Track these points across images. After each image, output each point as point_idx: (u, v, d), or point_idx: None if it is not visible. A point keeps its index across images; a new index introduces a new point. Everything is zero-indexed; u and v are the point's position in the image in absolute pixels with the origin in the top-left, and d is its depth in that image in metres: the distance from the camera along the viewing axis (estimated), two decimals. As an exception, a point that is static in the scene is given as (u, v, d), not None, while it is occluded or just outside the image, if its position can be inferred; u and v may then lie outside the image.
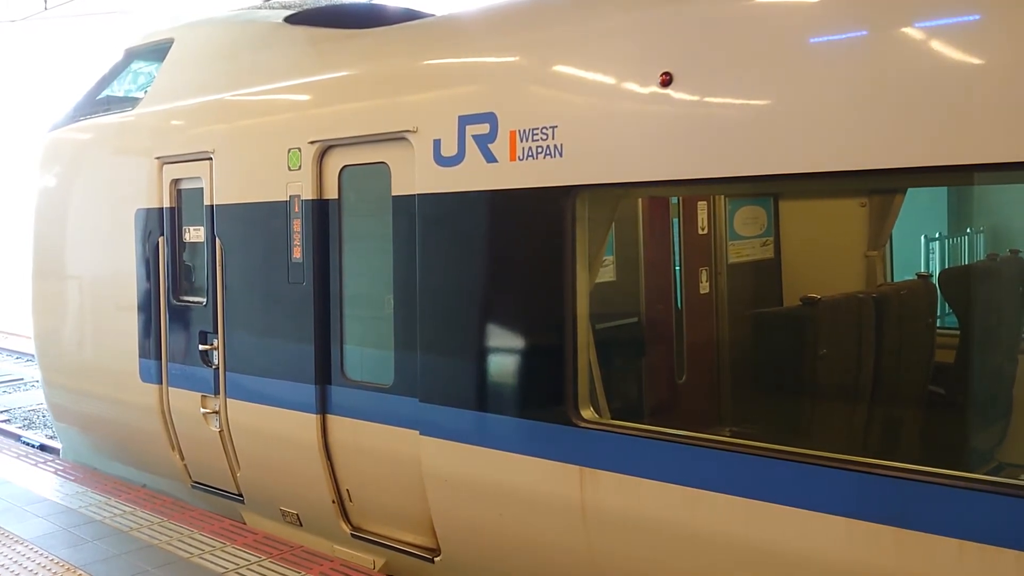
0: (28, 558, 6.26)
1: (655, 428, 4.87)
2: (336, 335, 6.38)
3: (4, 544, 6.52)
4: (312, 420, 6.43)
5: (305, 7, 7.73)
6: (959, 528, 3.74)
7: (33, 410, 14.83)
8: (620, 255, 6.37)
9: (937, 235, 10.46)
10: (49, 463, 8.81)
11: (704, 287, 6.93)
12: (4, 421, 14.05)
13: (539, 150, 5.02)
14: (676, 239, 6.81)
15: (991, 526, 3.66)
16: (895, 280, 7.38)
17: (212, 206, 7.21)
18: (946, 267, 10.26)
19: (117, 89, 8.90)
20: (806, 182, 4.95)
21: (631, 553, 4.85)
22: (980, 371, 5.87)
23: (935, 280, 6.61)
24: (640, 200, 6.36)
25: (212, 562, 6.15)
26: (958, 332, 6.14)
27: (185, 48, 8.10)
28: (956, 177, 4.82)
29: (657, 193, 6.23)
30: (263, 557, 6.22)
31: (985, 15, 3.76)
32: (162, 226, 7.73)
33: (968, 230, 10.63)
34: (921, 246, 10.32)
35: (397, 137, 5.81)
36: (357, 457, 6.28)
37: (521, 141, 5.09)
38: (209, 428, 7.37)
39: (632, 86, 4.74)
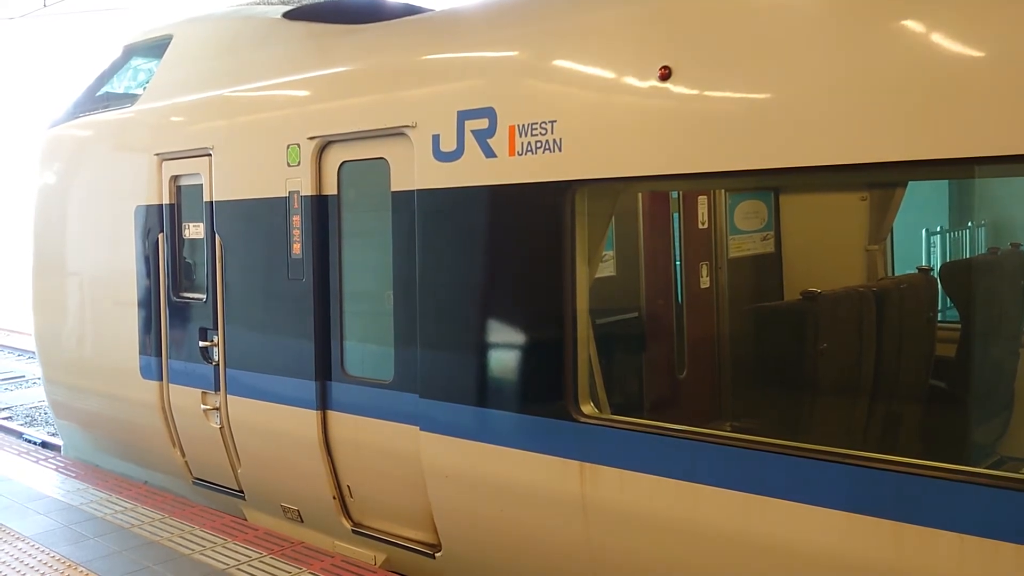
0: (29, 555, 6.26)
1: (655, 423, 4.87)
2: (336, 331, 6.38)
3: (5, 541, 6.53)
4: (312, 416, 6.43)
5: (304, 2, 7.71)
6: (960, 522, 3.73)
7: (35, 407, 14.85)
8: (620, 250, 6.36)
9: (938, 229, 10.43)
10: (50, 460, 8.81)
11: (704, 282, 6.92)
12: (6, 419, 14.06)
13: (538, 145, 5.01)
14: (676, 233, 6.80)
15: (992, 520, 3.65)
16: (896, 274, 7.36)
17: (211, 202, 7.20)
18: (947, 261, 10.24)
19: (116, 85, 8.89)
20: (806, 176, 4.94)
21: (632, 548, 4.84)
22: (981, 365, 5.86)
23: (936, 274, 6.60)
24: (640, 194, 6.34)
25: (213, 558, 6.14)
26: (959, 326, 6.13)
27: (184, 44, 8.09)
28: (957, 170, 4.79)
29: (657, 187, 6.22)
30: (264, 553, 6.22)
31: (985, 9, 3.75)
32: (162, 223, 7.72)
33: (969, 224, 10.60)
34: (922, 240, 10.30)
35: (396, 132, 5.80)
36: (358, 453, 6.28)
37: (520, 136, 5.08)
38: (210, 424, 7.37)
39: (631, 80, 4.73)
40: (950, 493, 3.77)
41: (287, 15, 7.37)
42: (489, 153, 5.24)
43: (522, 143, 5.08)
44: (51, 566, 6.06)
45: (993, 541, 3.66)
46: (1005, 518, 3.62)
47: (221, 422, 7.26)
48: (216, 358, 7.25)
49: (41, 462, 8.71)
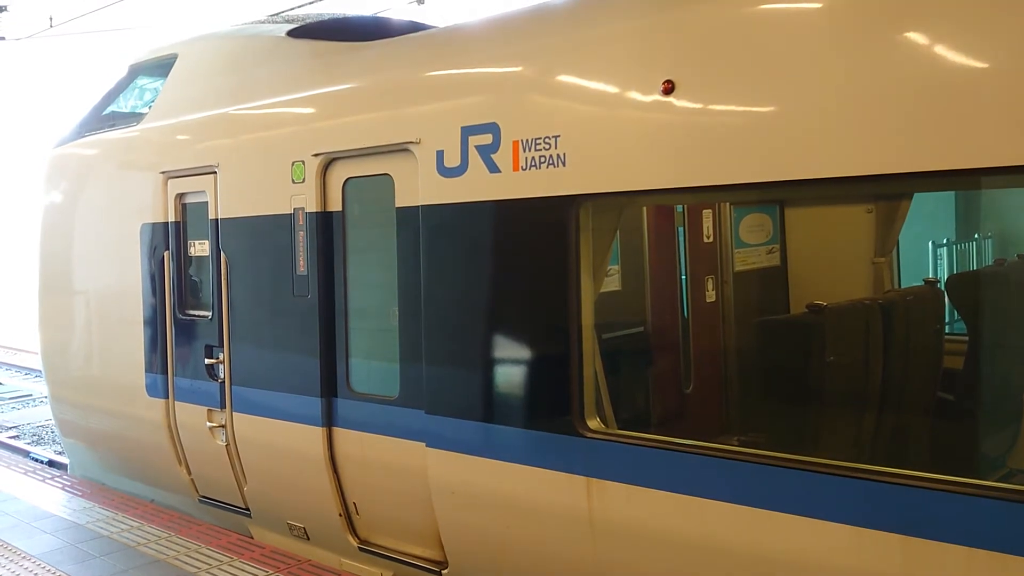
0: (35, 574, 6.25)
1: (662, 438, 4.85)
2: (341, 347, 6.37)
3: (11, 560, 6.52)
4: (318, 433, 6.41)
5: (308, 21, 7.74)
6: (968, 536, 3.70)
7: (42, 426, 14.85)
8: (625, 264, 6.35)
9: (945, 241, 10.39)
10: (57, 479, 8.82)
11: (710, 295, 6.90)
12: (12, 437, 14.05)
13: (542, 160, 5.01)
14: (681, 247, 6.78)
15: (1001, 533, 3.62)
16: (903, 286, 7.33)
17: (217, 220, 7.21)
18: (954, 273, 10.20)
19: (122, 105, 8.92)
20: (812, 188, 4.93)
21: (639, 564, 4.81)
22: (989, 377, 5.83)
23: (942, 286, 6.57)
24: (644, 209, 6.34)
25: (219, 577, 6.14)
26: (966, 338, 6.10)
27: (189, 63, 8.12)
28: (963, 182, 4.78)
29: (661, 201, 6.21)
30: (271, 571, 6.20)
31: (988, 19, 3.74)
32: (167, 240, 7.73)
33: (976, 235, 10.56)
34: (929, 252, 10.26)
35: (400, 149, 5.81)
36: (363, 470, 6.26)
37: (524, 151, 5.08)
38: (215, 442, 7.36)
39: (634, 94, 4.73)
40: (959, 506, 3.74)
41: (291, 33, 7.40)
42: (493, 168, 5.25)
43: (526, 158, 5.08)
44: (57, 585, 6.06)
45: (1002, 555, 3.63)
46: (1014, 532, 3.59)
47: (227, 439, 7.25)
48: (222, 375, 7.25)
49: (48, 481, 8.72)
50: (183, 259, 7.71)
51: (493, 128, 5.24)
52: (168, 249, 7.73)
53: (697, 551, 4.55)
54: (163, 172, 7.72)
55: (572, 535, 5.02)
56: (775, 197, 6.89)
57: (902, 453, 5.55)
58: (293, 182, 6.52)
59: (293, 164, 6.51)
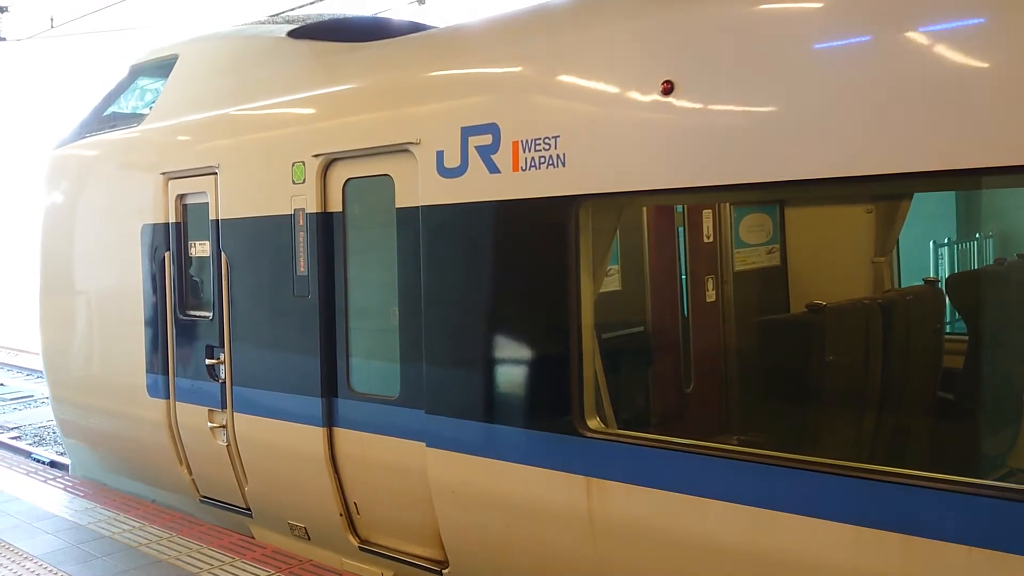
0: (37, 574, 6.26)
1: (662, 438, 4.86)
2: (342, 348, 6.38)
3: (13, 561, 6.53)
4: (319, 433, 6.42)
5: (308, 21, 7.75)
6: (969, 535, 3.71)
7: (43, 427, 14.87)
8: (625, 264, 6.36)
9: (946, 240, 10.40)
10: (58, 479, 8.82)
11: (710, 295, 6.91)
12: (14, 438, 14.07)
13: (542, 160, 5.01)
14: (681, 247, 6.79)
15: (1001, 532, 3.63)
16: (903, 286, 7.34)
17: (217, 221, 7.22)
18: (954, 272, 10.20)
19: (123, 105, 8.94)
20: (811, 188, 4.94)
21: (639, 563, 4.82)
22: (989, 376, 5.83)
23: (942, 285, 6.58)
24: (644, 209, 6.35)
25: (220, 577, 6.15)
26: (967, 337, 6.10)
27: (189, 64, 8.13)
28: (963, 182, 4.79)
29: (661, 201, 6.22)
30: (272, 571, 6.21)
31: (990, 18, 3.75)
32: (168, 241, 7.74)
33: (977, 235, 10.56)
34: (930, 252, 10.27)
35: (400, 149, 5.82)
36: (364, 470, 6.27)
37: (523, 151, 5.09)
38: (216, 442, 7.37)
39: (633, 95, 4.74)
40: (959, 505, 3.75)
41: (292, 34, 7.40)
42: (493, 169, 5.25)
43: (526, 158, 5.09)
44: (58, 586, 6.07)
45: (1002, 554, 3.63)
46: (1014, 530, 3.60)
47: (228, 440, 7.25)
48: (222, 376, 7.26)
49: (49, 481, 8.72)
50: (184, 260, 7.72)
51: (493, 128, 5.25)
52: (169, 250, 7.74)
53: (697, 551, 4.56)
54: (164, 173, 7.73)
55: (572, 534, 5.03)
56: (775, 197, 6.90)
57: (902, 452, 5.56)
58: (293, 183, 6.53)
59: (293, 165, 6.52)
